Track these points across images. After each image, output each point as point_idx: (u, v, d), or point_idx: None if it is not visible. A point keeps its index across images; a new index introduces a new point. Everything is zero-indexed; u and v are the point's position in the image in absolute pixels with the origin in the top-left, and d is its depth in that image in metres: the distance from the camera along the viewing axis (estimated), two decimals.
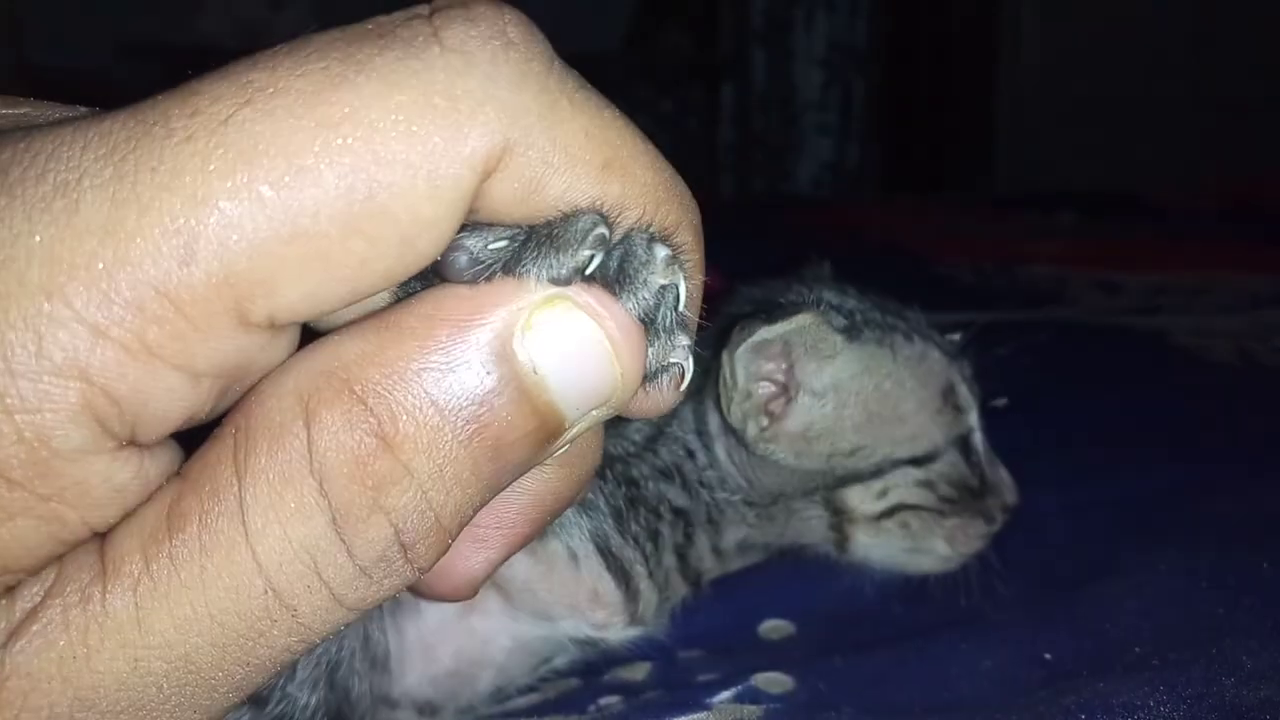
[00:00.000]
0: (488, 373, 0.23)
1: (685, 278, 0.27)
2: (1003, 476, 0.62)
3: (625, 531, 0.54)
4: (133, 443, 0.23)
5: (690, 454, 0.59)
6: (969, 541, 0.60)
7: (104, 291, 0.21)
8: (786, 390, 0.57)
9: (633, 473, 0.57)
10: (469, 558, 0.32)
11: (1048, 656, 0.51)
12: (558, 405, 0.25)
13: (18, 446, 0.22)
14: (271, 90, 0.22)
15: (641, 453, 0.58)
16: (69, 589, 0.23)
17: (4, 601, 0.23)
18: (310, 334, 0.25)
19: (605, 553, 0.52)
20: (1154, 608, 0.54)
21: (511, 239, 0.25)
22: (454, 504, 0.24)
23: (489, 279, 0.24)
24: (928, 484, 0.59)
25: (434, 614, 0.50)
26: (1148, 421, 0.84)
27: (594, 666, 0.54)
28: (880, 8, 3.09)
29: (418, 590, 0.35)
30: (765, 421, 0.56)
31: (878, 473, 0.58)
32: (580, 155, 0.24)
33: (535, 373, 0.24)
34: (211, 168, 0.21)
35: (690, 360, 0.28)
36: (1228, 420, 0.84)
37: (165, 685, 0.23)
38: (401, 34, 0.23)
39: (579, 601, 0.51)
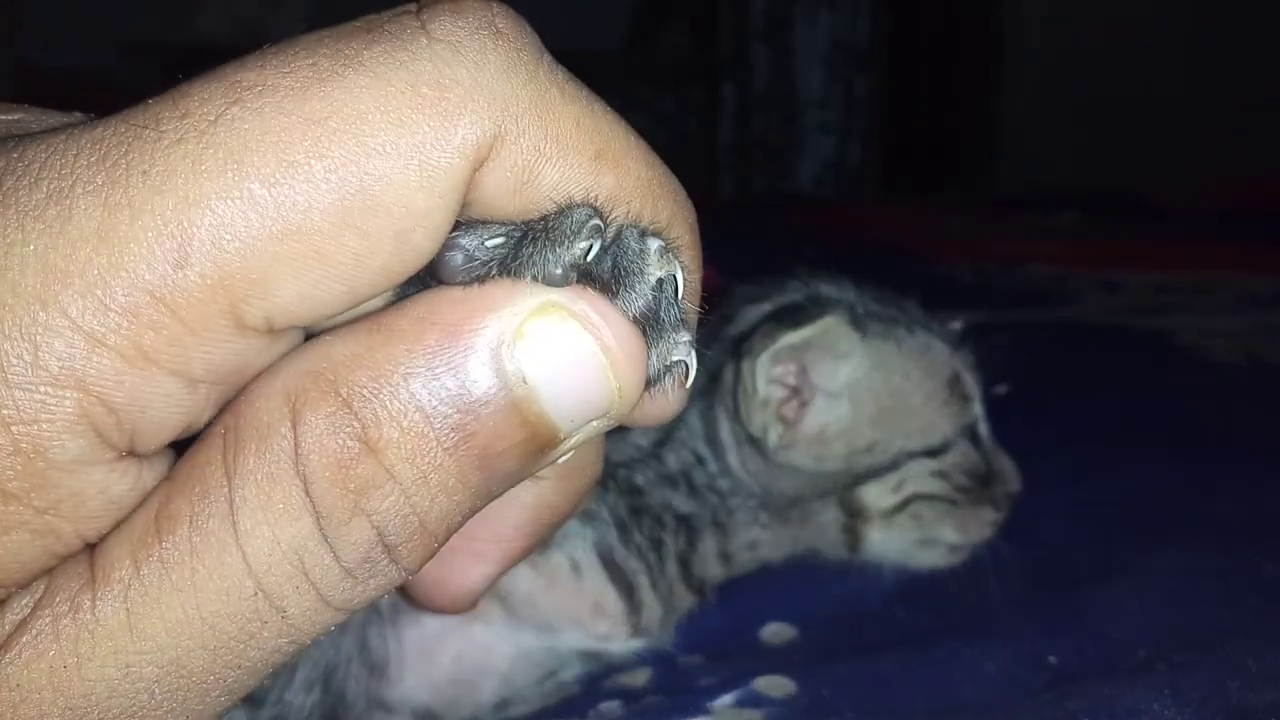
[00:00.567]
0: (475, 381, 0.23)
1: (682, 269, 0.26)
2: (1006, 464, 0.63)
3: (629, 542, 0.53)
4: (131, 453, 0.23)
5: (700, 461, 0.58)
6: (980, 529, 0.61)
7: (99, 298, 0.21)
8: (799, 393, 0.56)
9: (637, 480, 0.56)
10: (466, 571, 0.32)
11: (1051, 659, 0.51)
12: (549, 417, 0.24)
13: (14, 458, 0.21)
14: (260, 89, 0.22)
15: (647, 459, 0.58)
16: (58, 598, 0.23)
17: None
18: None
19: (608, 564, 0.52)
20: (1157, 609, 0.54)
21: (507, 236, 0.24)
22: (439, 510, 0.24)
23: (484, 280, 0.24)
24: (942, 474, 0.59)
25: (434, 620, 0.49)
26: (1149, 421, 0.84)
27: (594, 672, 0.53)
28: (882, 6, 3.08)
29: (416, 602, 0.35)
30: (781, 428, 0.56)
31: (894, 466, 0.58)
32: (572, 144, 0.24)
33: (525, 383, 0.23)
34: (203, 168, 0.21)
35: (693, 357, 0.27)
36: (1230, 420, 0.84)
37: (157, 690, 0.23)
38: (389, 29, 0.23)
39: (581, 613, 0.51)
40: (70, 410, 0.21)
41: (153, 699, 0.23)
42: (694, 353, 0.27)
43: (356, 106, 0.22)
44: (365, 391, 0.23)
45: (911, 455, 0.58)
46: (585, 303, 0.24)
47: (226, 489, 0.23)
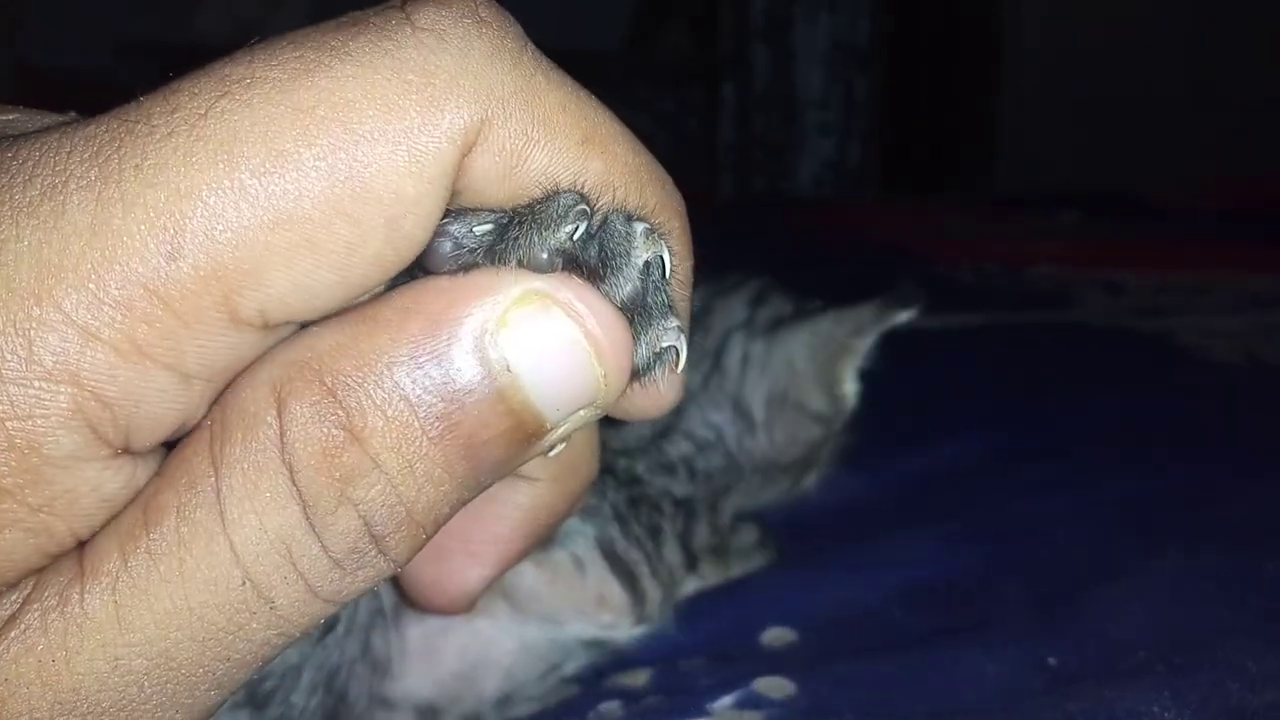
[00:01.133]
0: (459, 369, 0.23)
1: (669, 252, 0.26)
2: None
3: (629, 534, 0.54)
4: (126, 451, 0.23)
5: (709, 446, 0.59)
6: None
7: (93, 292, 0.21)
8: None
9: (637, 469, 0.57)
10: (464, 573, 0.32)
11: (1051, 661, 0.51)
12: (535, 406, 0.24)
13: (8, 454, 0.21)
14: (248, 81, 0.22)
15: (647, 448, 0.58)
16: (47, 593, 0.23)
17: None
18: None
19: (610, 557, 0.52)
20: (1158, 611, 0.54)
21: (496, 222, 0.25)
22: (426, 501, 0.24)
23: (470, 269, 0.24)
24: None
25: (438, 616, 0.50)
26: (1150, 422, 0.84)
27: (595, 672, 0.54)
28: (882, 6, 3.08)
29: (415, 604, 0.35)
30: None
31: None
32: (559, 129, 0.24)
33: (509, 371, 0.23)
34: (193, 161, 0.22)
35: (684, 342, 0.27)
36: (1230, 421, 0.84)
37: (146, 684, 0.23)
38: (374, 21, 0.23)
39: (586, 606, 0.51)
40: (65, 405, 0.22)
41: (142, 692, 0.23)
42: (684, 338, 0.27)
43: (344, 95, 0.22)
44: (350, 380, 0.23)
45: None
46: (569, 290, 0.24)
47: (213, 479, 0.23)
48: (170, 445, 0.24)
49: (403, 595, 0.38)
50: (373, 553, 0.24)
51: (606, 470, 0.55)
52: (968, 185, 2.94)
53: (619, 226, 0.25)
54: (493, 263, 0.24)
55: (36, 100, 0.27)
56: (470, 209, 0.25)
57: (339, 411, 0.23)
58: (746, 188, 3.06)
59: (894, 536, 0.66)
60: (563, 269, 0.24)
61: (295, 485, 0.23)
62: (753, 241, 1.58)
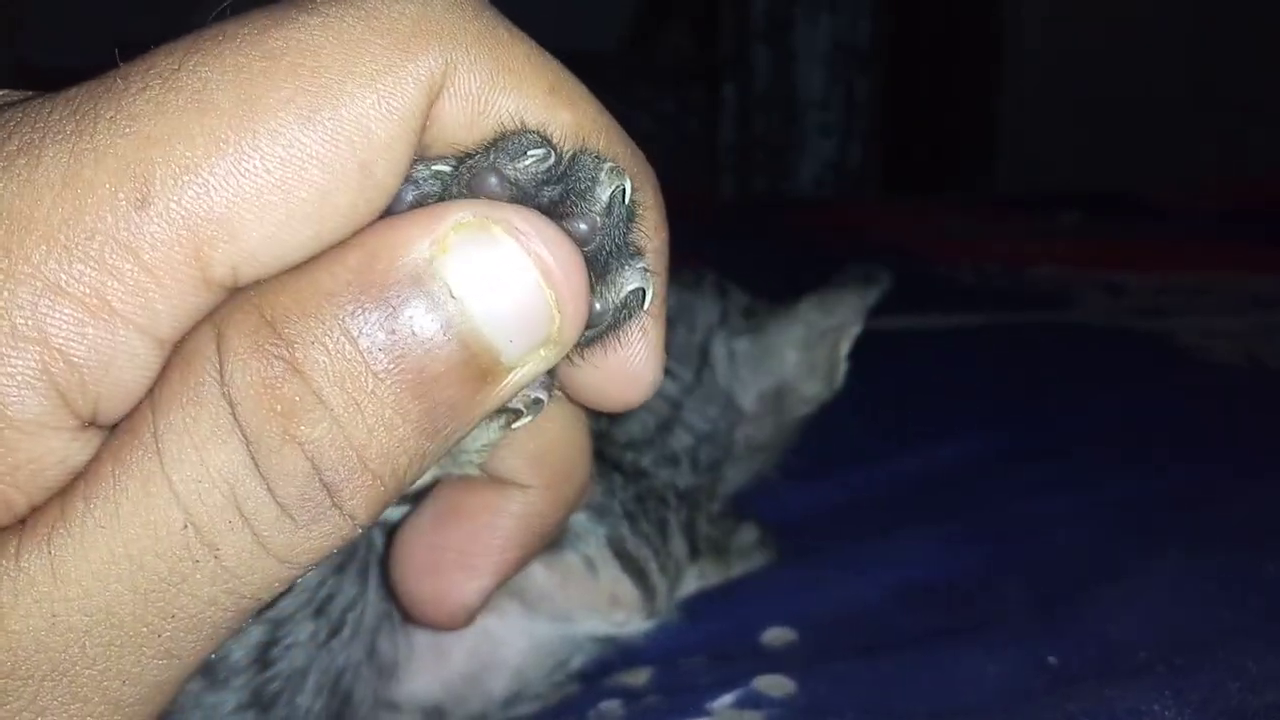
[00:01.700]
0: (400, 298, 0.22)
1: (633, 186, 0.25)
2: None
3: (638, 531, 0.54)
4: (93, 424, 0.23)
5: (708, 438, 0.60)
6: None
7: (62, 244, 0.21)
8: None
9: (643, 462, 0.57)
10: (462, 586, 0.32)
11: (1052, 661, 0.51)
12: (484, 335, 0.23)
13: None
14: (220, 37, 0.23)
15: (653, 439, 0.59)
16: None
17: None
18: None
19: (621, 555, 0.52)
20: (1158, 611, 0.54)
21: (456, 161, 0.24)
22: (380, 446, 0.23)
23: (422, 205, 0.24)
24: None
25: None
26: (1151, 423, 0.84)
27: (596, 670, 0.54)
28: (883, 7, 3.08)
29: (414, 619, 0.34)
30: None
31: None
32: (525, 76, 0.24)
33: (452, 298, 0.22)
34: (164, 110, 0.22)
35: (650, 282, 0.26)
36: (1231, 421, 0.84)
37: (88, 644, 0.22)
38: None
39: (599, 606, 0.51)
40: (32, 365, 0.21)
41: (84, 654, 0.22)
42: (651, 279, 0.26)
43: (311, 42, 0.22)
44: (290, 314, 0.22)
45: None
46: (510, 211, 0.23)
47: (150, 419, 0.22)
48: None
49: (403, 612, 0.38)
50: (326, 504, 0.23)
51: (614, 466, 0.55)
52: (968, 186, 2.95)
53: (586, 162, 0.24)
54: (445, 197, 0.24)
55: None
56: (439, 157, 0.25)
57: (278, 344, 0.22)
58: (747, 188, 3.06)
59: (894, 536, 0.66)
60: (520, 205, 0.24)
61: (236, 420, 0.22)
62: (753, 242, 1.59)
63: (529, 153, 0.24)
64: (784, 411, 0.63)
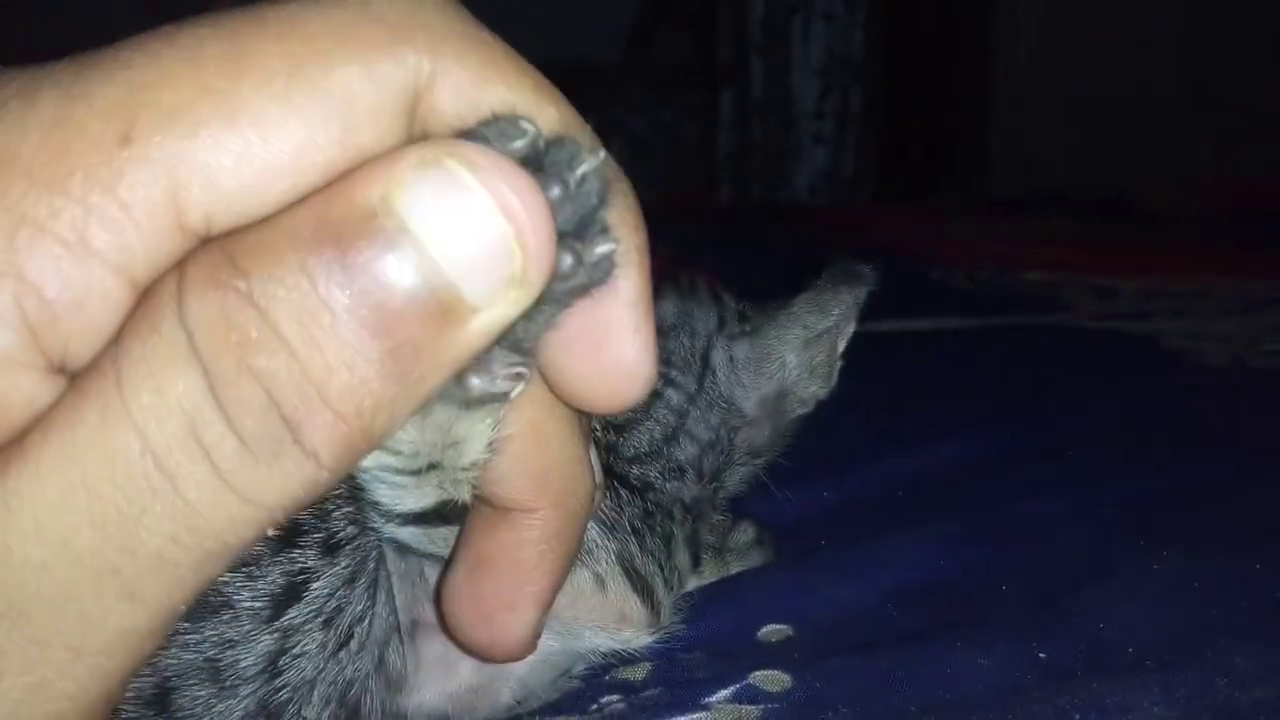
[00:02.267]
0: (357, 233, 0.22)
1: (609, 175, 0.26)
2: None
3: (645, 548, 0.54)
4: (63, 370, 0.23)
5: (711, 446, 0.61)
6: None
7: (45, 181, 0.22)
8: None
9: (650, 475, 0.57)
10: (512, 626, 0.32)
11: (1043, 656, 0.51)
12: (442, 269, 0.23)
13: None
14: (222, 17, 0.23)
15: (659, 450, 0.59)
16: None
17: None
18: None
19: (630, 573, 0.52)
20: (1150, 609, 0.55)
21: None
22: (341, 384, 0.22)
23: None
24: None
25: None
26: (1143, 425, 0.84)
27: (595, 666, 0.54)
28: (877, 17, 3.09)
29: (478, 655, 0.35)
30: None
31: None
32: (512, 72, 0.25)
33: (407, 232, 0.22)
34: (157, 60, 0.22)
35: (617, 251, 0.26)
36: (1223, 423, 0.85)
37: (45, 580, 0.21)
38: None
39: (607, 623, 0.51)
40: (5, 299, 0.21)
41: (40, 591, 0.21)
42: (618, 249, 0.26)
43: (304, 19, 0.23)
44: (249, 249, 0.22)
45: None
46: (467, 147, 0.23)
47: (114, 350, 0.22)
48: None
49: (476, 657, 0.38)
50: (287, 439, 0.22)
51: (620, 480, 0.55)
52: (963, 188, 2.95)
53: (567, 144, 0.25)
54: None
55: None
56: None
57: (236, 276, 0.22)
58: (744, 193, 3.07)
59: (891, 537, 0.67)
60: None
61: (195, 349, 0.22)
62: (750, 245, 1.59)
63: (514, 129, 0.24)
64: (782, 414, 0.64)
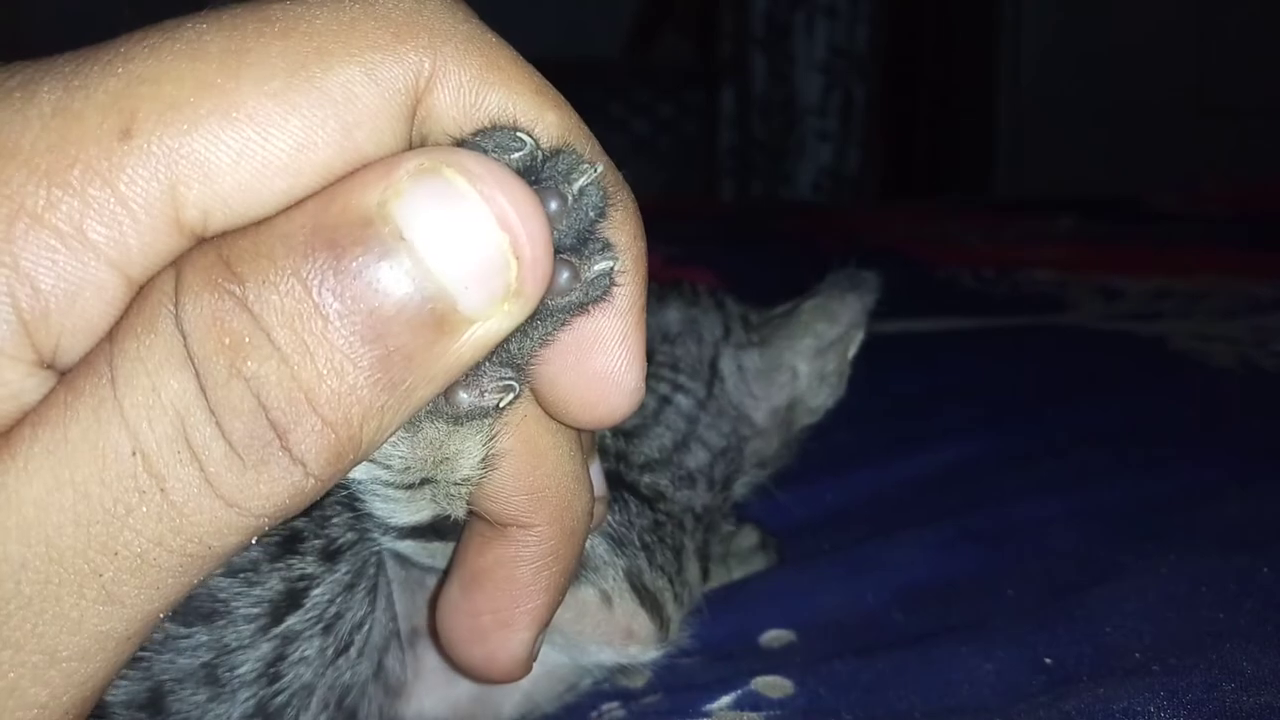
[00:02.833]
0: (351, 241, 0.22)
1: (608, 186, 0.25)
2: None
3: (654, 563, 0.53)
4: (53, 366, 0.22)
5: (722, 454, 0.60)
6: None
7: (44, 172, 0.21)
8: None
9: (661, 484, 0.57)
10: (506, 644, 0.32)
11: (1048, 661, 0.51)
12: (437, 278, 0.22)
13: None
14: (225, 11, 0.23)
15: (670, 459, 0.58)
16: None
17: None
18: None
19: (638, 589, 0.51)
20: (1154, 612, 0.54)
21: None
22: (330, 391, 0.22)
23: None
24: None
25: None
26: (1148, 426, 0.84)
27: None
28: (880, 13, 3.09)
29: (471, 674, 0.34)
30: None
31: None
32: (513, 75, 0.25)
33: (402, 239, 0.22)
34: (158, 54, 0.22)
35: (617, 267, 0.26)
36: (1228, 425, 0.84)
37: (23, 579, 0.21)
38: None
39: (614, 640, 0.50)
40: None
41: (18, 589, 0.21)
42: (616, 265, 0.26)
43: (307, 16, 0.23)
44: (244, 253, 0.22)
45: None
46: (465, 155, 0.23)
47: (108, 348, 0.22)
48: None
49: (468, 676, 0.38)
50: (274, 445, 0.22)
51: (630, 490, 0.55)
52: (967, 190, 2.95)
53: (566, 156, 0.25)
54: None
55: None
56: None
57: (230, 279, 0.22)
58: (746, 192, 3.06)
59: (892, 540, 0.66)
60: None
61: (189, 351, 0.21)
62: (751, 245, 1.59)
63: (513, 140, 0.24)
64: (792, 424, 0.64)
